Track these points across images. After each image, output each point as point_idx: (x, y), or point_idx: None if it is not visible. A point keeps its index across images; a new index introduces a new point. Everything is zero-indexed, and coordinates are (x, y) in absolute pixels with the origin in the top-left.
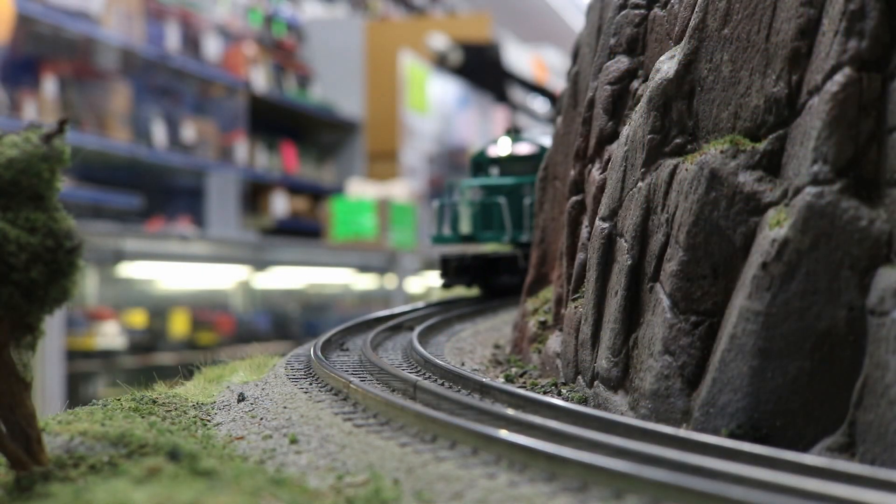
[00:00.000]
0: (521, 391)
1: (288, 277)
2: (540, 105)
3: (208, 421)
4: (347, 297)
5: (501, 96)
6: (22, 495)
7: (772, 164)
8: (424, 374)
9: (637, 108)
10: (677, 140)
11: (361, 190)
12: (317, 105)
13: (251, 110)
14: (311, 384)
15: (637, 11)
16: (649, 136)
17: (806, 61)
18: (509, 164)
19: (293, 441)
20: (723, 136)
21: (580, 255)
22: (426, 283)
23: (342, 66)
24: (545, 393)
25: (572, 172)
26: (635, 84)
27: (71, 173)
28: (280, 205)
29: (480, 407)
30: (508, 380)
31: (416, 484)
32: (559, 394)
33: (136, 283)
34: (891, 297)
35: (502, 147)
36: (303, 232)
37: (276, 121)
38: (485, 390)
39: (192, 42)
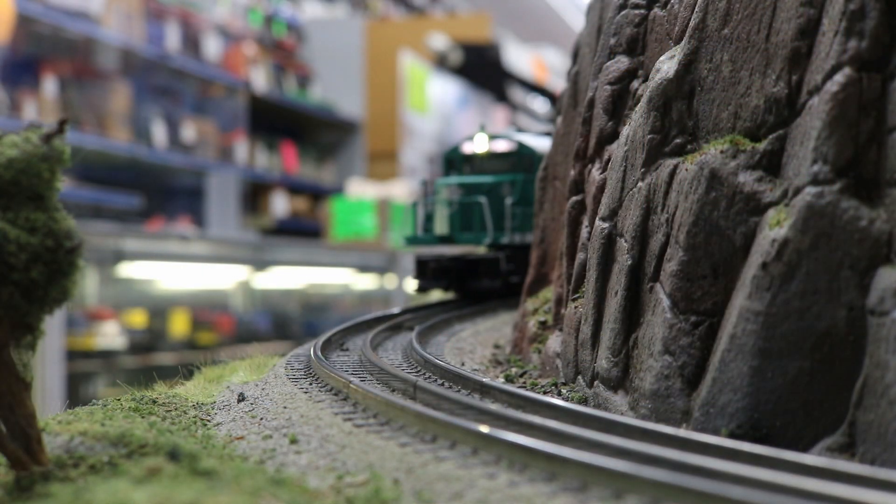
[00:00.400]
0: (521, 391)
1: (288, 277)
2: (540, 105)
3: (208, 421)
4: (347, 297)
5: (501, 96)
6: (22, 495)
7: (772, 164)
8: (424, 374)
9: (637, 108)
10: (677, 140)
11: (361, 190)
12: (317, 105)
13: (251, 110)
14: (311, 384)
15: (637, 11)
16: (649, 136)
17: (806, 61)
18: (486, 161)
19: (293, 441)
20: (723, 136)
21: (580, 255)
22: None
23: (342, 66)
24: (545, 393)
25: (572, 172)
26: (635, 84)
27: (71, 173)
28: (280, 205)
29: (480, 407)
30: (508, 380)
31: (416, 484)
32: (559, 394)
33: (136, 283)
34: (891, 297)
35: (479, 144)
36: (303, 232)
37: (276, 121)
38: (485, 390)
39: (192, 42)
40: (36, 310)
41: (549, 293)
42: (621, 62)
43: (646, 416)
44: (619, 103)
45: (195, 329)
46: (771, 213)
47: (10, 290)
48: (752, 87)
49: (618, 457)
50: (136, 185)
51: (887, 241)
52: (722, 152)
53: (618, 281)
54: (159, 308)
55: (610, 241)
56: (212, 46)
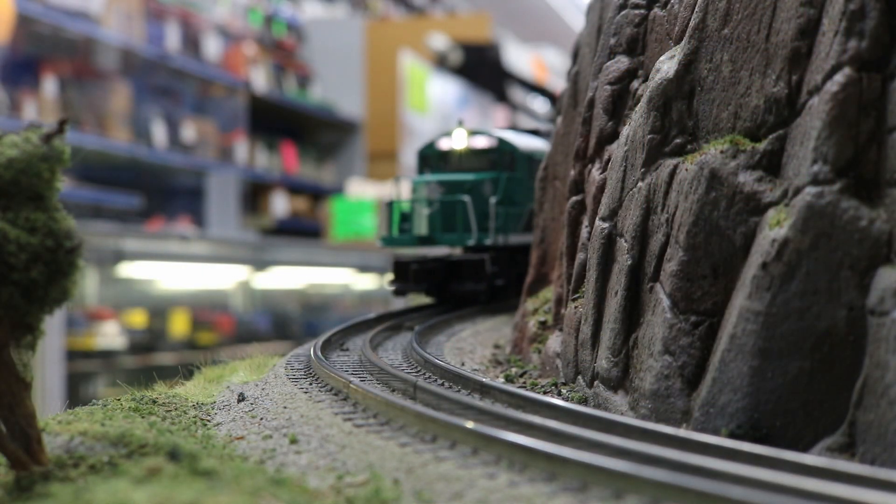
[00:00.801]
0: (521, 391)
1: (288, 277)
2: (540, 105)
3: (208, 421)
4: (347, 297)
5: (501, 96)
6: (22, 495)
7: (772, 164)
8: (424, 374)
9: (637, 108)
10: (677, 140)
11: (361, 190)
12: (317, 105)
13: (251, 110)
14: (311, 384)
15: (637, 11)
16: (649, 136)
17: (806, 61)
18: (465, 158)
19: (293, 441)
20: (723, 136)
21: (580, 255)
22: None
23: (342, 66)
24: (545, 393)
25: (572, 172)
26: (635, 84)
27: (71, 173)
28: (280, 205)
29: (480, 407)
30: (508, 380)
31: (416, 484)
32: (559, 394)
33: (136, 283)
34: (891, 297)
35: (457, 140)
36: (303, 232)
37: (276, 121)
38: (485, 390)
39: (192, 42)
40: (36, 310)
41: (549, 293)
42: (621, 62)
43: (646, 416)
44: (619, 103)
45: (195, 329)
46: (771, 213)
47: (10, 290)
48: (752, 87)
49: (618, 457)
50: (136, 185)
51: (887, 241)
52: (722, 152)
53: (618, 281)
54: (159, 308)
55: (610, 241)
56: (212, 46)
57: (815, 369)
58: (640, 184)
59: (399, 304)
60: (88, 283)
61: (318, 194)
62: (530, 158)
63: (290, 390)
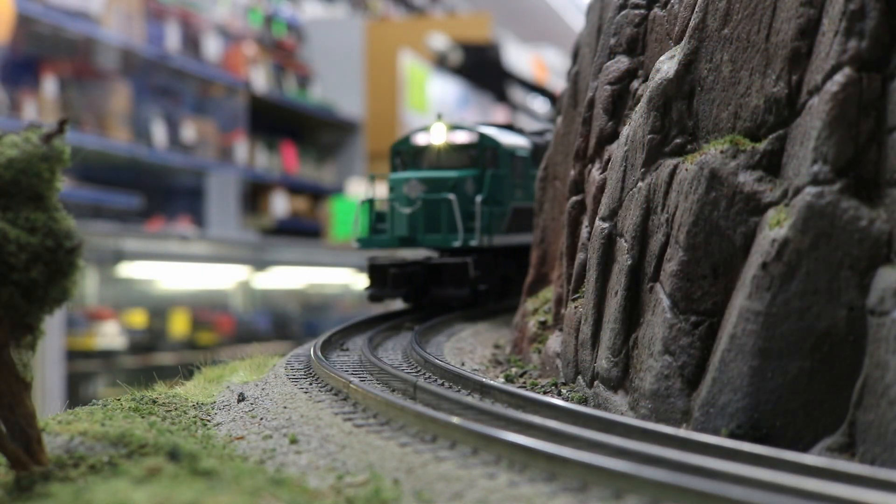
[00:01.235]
0: (521, 391)
1: (288, 277)
2: (540, 105)
3: (208, 421)
4: (347, 297)
5: (501, 96)
6: (22, 495)
7: (772, 164)
8: (424, 374)
9: (637, 108)
10: (677, 140)
11: (361, 190)
12: (317, 105)
13: (251, 110)
14: (311, 384)
15: (637, 11)
16: (649, 136)
17: (806, 61)
18: (443, 154)
19: (293, 441)
20: (723, 136)
21: (580, 255)
22: None
23: (342, 66)
24: (545, 393)
25: (572, 172)
26: (635, 84)
27: (71, 173)
28: (280, 205)
29: (480, 407)
30: (508, 380)
31: (416, 484)
32: (559, 394)
33: (136, 283)
34: (891, 297)
35: (436, 135)
36: (303, 232)
37: (276, 121)
38: (485, 390)
39: (192, 42)
40: (36, 310)
41: (549, 293)
42: (621, 62)
43: (646, 416)
44: (619, 103)
45: (195, 329)
46: (771, 213)
47: (10, 290)
48: (752, 87)
49: (618, 457)
50: (136, 185)
51: (887, 241)
52: (722, 152)
53: (618, 281)
54: (159, 308)
55: (610, 241)
56: (212, 46)
57: (815, 369)
58: (640, 184)
59: (399, 304)
60: (88, 283)
61: (317, 194)
62: (513, 155)
63: (290, 390)
